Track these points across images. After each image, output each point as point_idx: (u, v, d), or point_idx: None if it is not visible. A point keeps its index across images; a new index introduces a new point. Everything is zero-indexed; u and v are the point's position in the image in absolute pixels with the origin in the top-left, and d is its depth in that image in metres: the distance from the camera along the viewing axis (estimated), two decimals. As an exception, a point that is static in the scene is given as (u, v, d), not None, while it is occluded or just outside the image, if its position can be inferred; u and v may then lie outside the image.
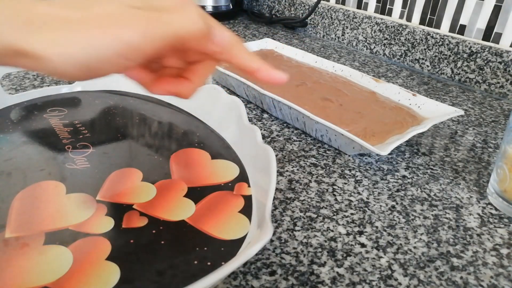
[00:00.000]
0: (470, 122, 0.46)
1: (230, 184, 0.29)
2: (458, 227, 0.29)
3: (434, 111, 0.41)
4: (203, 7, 0.81)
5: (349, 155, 0.37)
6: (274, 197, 0.30)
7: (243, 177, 0.30)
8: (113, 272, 0.21)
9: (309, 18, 0.79)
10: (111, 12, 0.18)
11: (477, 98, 0.53)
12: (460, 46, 0.57)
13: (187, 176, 0.30)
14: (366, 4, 0.70)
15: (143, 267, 0.22)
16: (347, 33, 0.72)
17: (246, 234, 0.24)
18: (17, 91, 0.44)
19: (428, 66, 0.62)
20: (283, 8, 0.84)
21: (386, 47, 0.67)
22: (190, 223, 0.25)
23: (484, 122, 0.46)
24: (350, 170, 0.35)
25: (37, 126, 0.35)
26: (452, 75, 0.59)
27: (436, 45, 0.60)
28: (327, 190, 0.32)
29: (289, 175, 0.33)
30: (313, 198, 0.31)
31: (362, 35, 0.70)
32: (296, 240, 0.26)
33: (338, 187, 0.32)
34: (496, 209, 0.31)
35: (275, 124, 0.42)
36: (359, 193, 0.32)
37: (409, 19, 0.64)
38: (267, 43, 0.59)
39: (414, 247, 0.26)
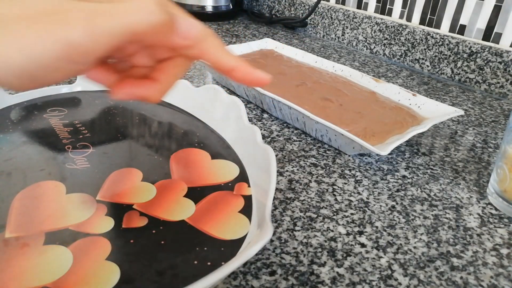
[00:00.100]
0: (470, 122, 0.46)
1: (230, 184, 0.29)
2: (458, 227, 0.29)
3: (434, 111, 0.41)
4: (203, 7, 0.81)
5: (349, 155, 0.37)
6: (274, 197, 0.30)
7: (243, 177, 0.30)
8: (113, 272, 0.21)
9: (309, 18, 0.79)
10: (48, 6, 0.15)
11: (477, 98, 0.53)
12: (460, 46, 0.57)
13: (187, 176, 0.30)
14: (366, 4, 0.70)
15: (143, 267, 0.22)
16: (347, 33, 0.72)
17: (246, 234, 0.24)
18: (17, 91, 0.44)
19: (428, 66, 0.62)
20: (283, 8, 0.84)
21: (386, 47, 0.67)
22: (190, 223, 0.25)
23: (484, 122, 0.46)
24: (350, 170, 0.35)
25: (37, 126, 0.35)
26: (452, 75, 0.59)
27: (436, 45, 0.60)
28: (327, 190, 0.32)
29: (289, 175, 0.33)
30: (313, 198, 0.31)
31: (362, 35, 0.70)
32: (296, 240, 0.26)
33: (338, 187, 0.32)
34: (496, 209, 0.31)
35: (275, 124, 0.42)
36: (359, 193, 0.32)
37: (409, 19, 0.64)
38: (267, 43, 0.59)
39: (414, 247, 0.26)
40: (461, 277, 0.24)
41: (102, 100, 0.41)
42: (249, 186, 0.29)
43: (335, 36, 0.75)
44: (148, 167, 0.30)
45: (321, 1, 0.77)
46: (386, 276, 0.24)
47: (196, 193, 0.28)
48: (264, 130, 0.40)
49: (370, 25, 0.68)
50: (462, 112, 0.39)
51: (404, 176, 0.34)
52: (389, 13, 0.67)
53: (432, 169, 0.36)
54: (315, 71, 0.51)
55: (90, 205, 0.26)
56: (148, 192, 0.28)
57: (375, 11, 0.69)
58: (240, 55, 0.55)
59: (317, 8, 0.76)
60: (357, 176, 0.34)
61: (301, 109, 0.37)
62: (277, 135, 0.40)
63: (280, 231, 0.27)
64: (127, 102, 0.40)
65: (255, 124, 0.42)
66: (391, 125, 0.39)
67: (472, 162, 0.37)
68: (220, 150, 0.33)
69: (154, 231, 0.24)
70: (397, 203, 0.31)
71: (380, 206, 0.30)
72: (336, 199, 0.31)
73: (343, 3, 0.74)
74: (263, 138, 0.39)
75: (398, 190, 0.32)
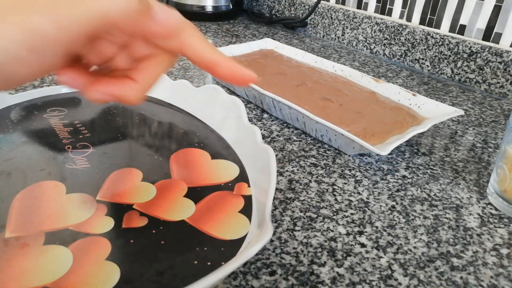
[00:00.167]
0: (470, 122, 0.46)
1: (230, 184, 0.29)
2: (458, 227, 0.29)
3: (434, 111, 0.41)
4: (203, 7, 0.81)
5: (349, 155, 0.37)
6: (274, 197, 0.30)
7: (243, 177, 0.30)
8: (113, 272, 0.21)
9: (309, 18, 0.79)
10: None
11: (477, 98, 0.53)
12: (460, 46, 0.57)
13: (187, 176, 0.30)
14: (366, 4, 0.70)
15: (143, 267, 0.22)
16: (347, 33, 0.72)
17: (246, 234, 0.24)
18: (17, 91, 0.44)
19: (428, 66, 0.62)
20: (283, 8, 0.84)
21: (386, 47, 0.67)
22: (190, 223, 0.25)
23: (484, 122, 0.46)
24: (350, 170, 0.35)
25: (37, 126, 0.35)
26: (452, 75, 0.59)
27: (436, 45, 0.60)
28: (327, 190, 0.32)
29: (289, 175, 0.33)
30: (313, 198, 0.31)
31: (362, 35, 0.70)
32: (296, 240, 0.26)
33: (338, 187, 0.32)
34: (496, 209, 0.31)
35: (275, 124, 0.42)
36: (359, 193, 0.32)
37: (409, 19, 0.64)
38: (267, 43, 0.59)
39: (414, 247, 0.26)
40: (461, 277, 0.24)
41: (102, 100, 0.41)
42: (249, 186, 0.29)
43: (335, 36, 0.75)
44: (148, 167, 0.30)
45: (321, 1, 0.77)
46: (386, 276, 0.24)
47: (196, 193, 0.28)
48: (264, 130, 0.40)
49: (370, 25, 0.68)
50: (462, 112, 0.39)
51: (404, 176, 0.34)
52: (389, 13, 0.67)
53: (432, 169, 0.36)
54: (315, 71, 0.51)
55: (90, 205, 0.26)
56: (148, 192, 0.28)
57: (375, 11, 0.69)
58: (240, 55, 0.55)
59: (317, 8, 0.76)
60: (357, 176, 0.34)
61: (301, 109, 0.37)
62: (277, 135, 0.40)
63: (280, 231, 0.27)
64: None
65: (255, 124, 0.42)
66: (391, 125, 0.39)
67: (472, 162, 0.37)
68: (220, 150, 0.33)
69: (154, 231, 0.24)
70: (397, 203, 0.31)
71: (380, 206, 0.30)
72: (336, 199, 0.31)
73: (343, 3, 0.74)
74: (263, 138, 0.39)
75: (398, 190, 0.32)
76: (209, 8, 0.81)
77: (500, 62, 0.53)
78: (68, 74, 0.19)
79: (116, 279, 0.21)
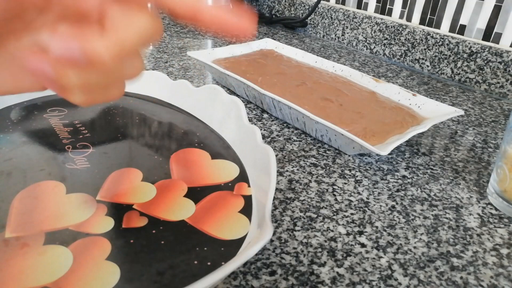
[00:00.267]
0: (470, 122, 0.46)
1: (230, 184, 0.29)
2: (458, 227, 0.29)
3: (434, 111, 0.41)
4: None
5: (349, 155, 0.37)
6: (274, 197, 0.30)
7: (243, 177, 0.30)
8: (113, 272, 0.21)
9: (309, 18, 0.79)
10: None
11: (477, 98, 0.53)
12: (460, 46, 0.57)
13: (187, 176, 0.30)
14: (366, 4, 0.70)
15: (143, 267, 0.22)
16: (347, 33, 0.72)
17: (246, 234, 0.24)
18: None
19: (428, 66, 0.62)
20: (283, 8, 0.84)
21: (386, 47, 0.67)
22: (190, 223, 0.25)
23: (484, 122, 0.46)
24: (350, 170, 0.35)
25: (37, 126, 0.35)
26: (452, 75, 0.59)
27: (436, 45, 0.60)
28: (327, 190, 0.32)
29: (289, 175, 0.33)
30: (313, 198, 0.31)
31: (362, 35, 0.70)
32: (296, 240, 0.26)
33: (338, 187, 0.32)
34: (496, 209, 0.31)
35: (275, 124, 0.42)
36: (359, 193, 0.32)
37: (409, 19, 0.64)
38: (267, 43, 0.59)
39: (414, 247, 0.26)
40: (461, 277, 0.24)
41: (102, 100, 0.41)
42: (249, 186, 0.29)
43: (335, 36, 0.75)
44: (148, 167, 0.30)
45: (321, 1, 0.77)
46: (386, 276, 0.24)
47: (196, 193, 0.28)
48: (264, 130, 0.40)
49: (370, 25, 0.68)
50: (462, 112, 0.39)
51: (404, 176, 0.34)
52: (389, 13, 0.67)
53: (432, 169, 0.36)
54: (315, 71, 0.51)
55: (90, 205, 0.26)
56: (148, 192, 0.28)
57: (375, 11, 0.69)
58: (240, 55, 0.55)
59: (317, 8, 0.76)
60: (357, 176, 0.34)
61: (301, 109, 0.37)
62: (277, 135, 0.40)
63: (280, 231, 0.27)
64: (127, 102, 0.40)
65: (255, 124, 0.42)
66: (391, 125, 0.39)
67: (472, 162, 0.37)
68: (220, 150, 0.33)
69: (154, 231, 0.24)
70: (397, 203, 0.31)
71: (380, 206, 0.30)
72: (336, 199, 0.31)
73: (343, 3, 0.74)
74: (263, 138, 0.39)
75: (398, 190, 0.32)
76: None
77: (500, 62, 0.53)
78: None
79: (116, 279, 0.21)
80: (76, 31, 0.15)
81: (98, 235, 0.24)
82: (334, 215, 0.29)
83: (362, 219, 0.29)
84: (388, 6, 0.67)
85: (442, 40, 0.59)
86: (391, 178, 0.34)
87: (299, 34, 0.79)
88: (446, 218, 0.30)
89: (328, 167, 0.35)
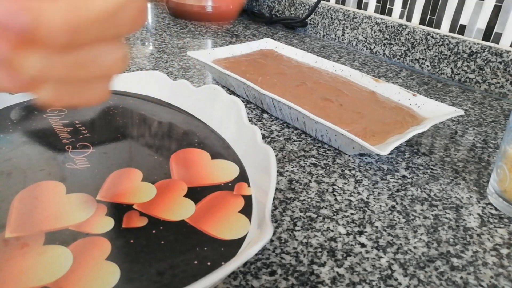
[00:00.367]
0: (470, 122, 0.46)
1: (230, 184, 0.29)
2: (458, 227, 0.29)
3: (434, 111, 0.41)
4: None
5: (349, 155, 0.37)
6: (274, 197, 0.30)
7: (243, 177, 0.30)
8: (113, 272, 0.21)
9: (309, 18, 0.79)
10: None
11: (477, 98, 0.53)
12: (460, 46, 0.57)
13: (187, 176, 0.30)
14: (366, 4, 0.70)
15: (143, 267, 0.22)
16: (347, 33, 0.72)
17: (246, 234, 0.24)
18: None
19: (428, 66, 0.62)
20: (283, 8, 0.84)
21: (386, 47, 0.67)
22: (190, 223, 0.25)
23: (484, 122, 0.46)
24: (350, 170, 0.35)
25: (37, 126, 0.35)
26: (452, 75, 0.59)
27: (436, 45, 0.60)
28: (327, 190, 0.32)
29: (289, 175, 0.33)
30: (313, 198, 0.31)
31: (362, 35, 0.70)
32: (296, 240, 0.26)
33: (338, 187, 0.32)
34: (496, 209, 0.31)
35: (275, 124, 0.42)
36: (359, 193, 0.32)
37: (409, 19, 0.64)
38: (267, 43, 0.59)
39: (414, 247, 0.26)
40: (461, 277, 0.24)
41: (102, 100, 0.41)
42: (249, 186, 0.29)
43: (335, 36, 0.75)
44: (148, 167, 0.30)
45: (321, 1, 0.77)
46: (386, 276, 0.24)
47: (196, 193, 0.28)
48: (264, 130, 0.40)
49: (370, 25, 0.68)
50: (462, 112, 0.39)
51: (404, 176, 0.34)
52: (389, 13, 0.67)
53: (432, 169, 0.36)
54: (315, 71, 0.51)
55: (90, 205, 0.26)
56: (148, 192, 0.28)
57: (375, 11, 0.69)
58: (240, 55, 0.55)
59: (317, 8, 0.76)
60: (357, 176, 0.34)
61: (301, 109, 0.37)
62: (277, 135, 0.40)
63: (280, 231, 0.27)
64: (127, 102, 0.40)
65: (255, 124, 0.42)
66: (391, 125, 0.39)
67: (472, 162, 0.37)
68: (220, 150, 0.33)
69: (154, 231, 0.24)
70: (397, 203, 0.31)
71: (380, 206, 0.30)
72: (336, 199, 0.31)
73: (343, 3, 0.74)
74: (263, 138, 0.39)
75: (398, 190, 0.32)
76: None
77: (500, 62, 0.53)
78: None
79: (116, 279, 0.21)
80: None
81: (98, 235, 0.24)
82: (334, 215, 0.29)
83: (362, 219, 0.29)
84: (388, 6, 0.67)
85: (442, 40, 0.59)
86: (391, 178, 0.34)
87: (299, 34, 0.79)
88: (446, 218, 0.30)
89: (328, 167, 0.35)
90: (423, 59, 0.62)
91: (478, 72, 0.56)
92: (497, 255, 0.26)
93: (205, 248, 0.23)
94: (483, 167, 0.37)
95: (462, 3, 0.57)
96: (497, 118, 0.48)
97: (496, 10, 0.54)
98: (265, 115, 0.44)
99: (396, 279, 0.24)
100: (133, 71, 0.53)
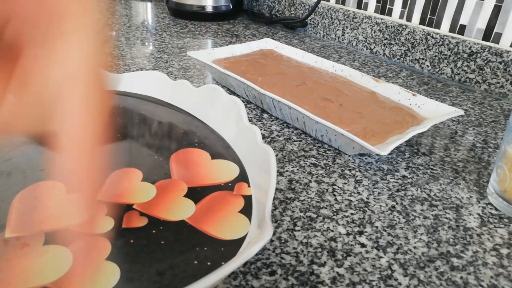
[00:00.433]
0: (470, 122, 0.46)
1: (230, 184, 0.29)
2: (458, 227, 0.29)
3: (434, 111, 0.41)
4: (203, 7, 0.81)
5: (349, 155, 0.37)
6: (274, 197, 0.30)
7: (243, 177, 0.30)
8: (113, 272, 0.21)
9: (309, 18, 0.79)
10: None
11: (477, 98, 0.53)
12: (460, 46, 0.57)
13: (187, 176, 0.30)
14: (366, 4, 0.70)
15: (143, 267, 0.22)
16: (347, 33, 0.72)
17: (246, 234, 0.24)
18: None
19: (428, 66, 0.62)
20: (283, 8, 0.84)
21: (386, 47, 0.67)
22: (190, 223, 0.25)
23: (484, 122, 0.46)
24: (350, 170, 0.35)
25: (37, 126, 0.35)
26: (452, 75, 0.59)
27: (436, 45, 0.60)
28: (327, 190, 0.32)
29: (289, 175, 0.33)
30: (313, 198, 0.31)
31: (362, 35, 0.70)
32: (296, 240, 0.26)
33: (338, 187, 0.32)
34: (496, 209, 0.31)
35: (275, 124, 0.42)
36: (359, 193, 0.32)
37: (409, 19, 0.64)
38: (267, 43, 0.59)
39: (414, 247, 0.26)
40: (461, 277, 0.24)
41: (102, 100, 0.41)
42: (249, 186, 0.29)
43: (335, 36, 0.75)
44: (148, 167, 0.30)
45: (321, 1, 0.77)
46: (386, 276, 0.24)
47: (196, 193, 0.28)
48: (264, 130, 0.40)
49: (370, 25, 0.68)
50: (462, 112, 0.39)
51: (404, 176, 0.34)
52: (389, 13, 0.67)
53: (432, 169, 0.36)
54: (315, 71, 0.51)
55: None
56: (148, 192, 0.28)
57: (375, 11, 0.69)
58: (240, 55, 0.55)
59: (317, 8, 0.76)
60: (357, 176, 0.34)
61: (301, 109, 0.37)
62: (277, 135, 0.40)
63: (280, 231, 0.27)
64: (127, 102, 0.40)
65: (255, 124, 0.42)
66: (391, 125, 0.39)
67: (472, 162, 0.37)
68: (220, 150, 0.33)
69: (154, 231, 0.24)
70: (397, 203, 0.31)
71: (380, 206, 0.30)
72: (336, 199, 0.31)
73: (343, 3, 0.74)
74: (263, 138, 0.39)
75: (398, 190, 0.32)
76: (209, 8, 0.81)
77: (500, 62, 0.53)
78: None
79: (116, 279, 0.21)
80: None
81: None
82: (334, 215, 0.29)
83: (362, 219, 0.29)
84: (388, 6, 0.67)
85: (442, 40, 0.59)
86: (391, 178, 0.34)
87: (299, 34, 0.79)
88: (446, 218, 0.30)
89: (328, 167, 0.35)
90: (423, 59, 0.62)
91: (478, 72, 0.56)
92: (497, 255, 0.26)
93: (205, 248, 0.23)
94: (483, 167, 0.37)
95: (462, 3, 0.57)
96: (497, 118, 0.48)
97: (496, 10, 0.54)
98: (265, 115, 0.44)
99: (396, 279, 0.24)
100: (133, 71, 0.53)
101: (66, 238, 0.23)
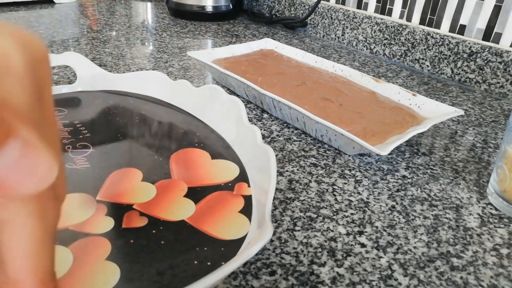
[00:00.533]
0: (470, 122, 0.46)
1: (230, 184, 0.29)
2: (458, 227, 0.29)
3: (434, 111, 0.41)
4: (203, 7, 0.81)
5: (349, 155, 0.37)
6: (274, 197, 0.30)
7: (243, 177, 0.30)
8: (113, 272, 0.21)
9: (309, 18, 0.79)
10: None
11: (477, 98, 0.53)
12: (460, 46, 0.57)
13: (187, 176, 0.30)
14: (366, 4, 0.70)
15: (143, 267, 0.22)
16: (347, 33, 0.72)
17: (246, 234, 0.24)
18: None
19: (428, 66, 0.62)
20: (283, 8, 0.84)
21: (386, 47, 0.67)
22: (190, 223, 0.25)
23: (484, 122, 0.46)
24: (350, 170, 0.35)
25: (37, 126, 0.35)
26: (452, 75, 0.59)
27: (436, 45, 0.60)
28: (327, 190, 0.32)
29: (289, 175, 0.33)
30: (313, 198, 0.31)
31: (362, 35, 0.70)
32: (296, 240, 0.26)
33: (338, 187, 0.32)
34: (496, 209, 0.31)
35: (275, 124, 0.42)
36: (359, 193, 0.32)
37: (409, 19, 0.64)
38: (267, 43, 0.59)
39: (414, 247, 0.26)
40: (461, 277, 0.24)
41: (102, 100, 0.41)
42: (249, 186, 0.29)
43: (335, 36, 0.75)
44: (148, 167, 0.30)
45: (321, 1, 0.77)
46: (386, 276, 0.24)
47: (196, 193, 0.28)
48: (264, 130, 0.40)
49: (370, 25, 0.68)
50: (462, 112, 0.39)
51: (404, 176, 0.34)
52: (389, 13, 0.67)
53: (432, 169, 0.36)
54: (315, 71, 0.51)
55: (90, 205, 0.26)
56: (148, 192, 0.28)
57: (375, 11, 0.69)
58: (240, 55, 0.55)
59: (317, 8, 0.76)
60: (357, 176, 0.34)
61: (301, 109, 0.37)
62: (277, 135, 0.40)
63: (280, 231, 0.27)
64: (127, 102, 0.40)
65: (255, 124, 0.42)
66: (391, 125, 0.39)
67: (472, 162, 0.37)
68: (220, 150, 0.33)
69: (154, 231, 0.24)
70: (397, 203, 0.31)
71: (380, 206, 0.30)
72: (336, 199, 0.31)
73: (343, 3, 0.74)
74: (263, 138, 0.39)
75: (398, 190, 0.32)
76: (209, 8, 0.81)
77: (500, 62, 0.53)
78: None
79: (116, 279, 0.21)
80: None
81: (98, 235, 0.24)
82: (334, 215, 0.29)
83: (362, 219, 0.29)
84: (388, 6, 0.67)
85: (442, 40, 0.59)
86: (391, 178, 0.34)
87: (299, 34, 0.79)
88: (446, 218, 0.30)
89: (328, 167, 0.35)
90: (423, 59, 0.62)
91: (478, 72, 0.56)
92: (497, 255, 0.26)
93: (205, 248, 0.23)
94: (483, 167, 0.37)
95: (462, 3, 0.57)
96: (497, 118, 0.48)
97: (496, 10, 0.54)
98: (265, 115, 0.44)
99: (396, 279, 0.24)
100: (133, 71, 0.53)
101: (66, 238, 0.23)
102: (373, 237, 0.27)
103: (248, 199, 0.28)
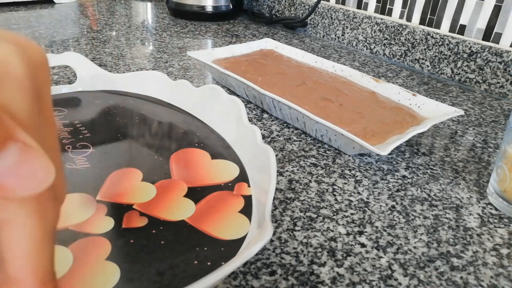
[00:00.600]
0: (470, 122, 0.46)
1: (230, 184, 0.29)
2: (458, 227, 0.29)
3: (434, 111, 0.41)
4: (203, 7, 0.81)
5: (349, 155, 0.37)
6: (274, 197, 0.30)
7: (243, 177, 0.30)
8: (113, 272, 0.21)
9: (309, 18, 0.79)
10: None
11: (477, 98, 0.53)
12: (460, 46, 0.57)
13: (187, 176, 0.30)
14: (366, 4, 0.70)
15: (143, 267, 0.22)
16: (347, 33, 0.72)
17: (246, 234, 0.24)
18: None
19: (428, 66, 0.62)
20: (283, 8, 0.84)
21: (386, 47, 0.67)
22: (190, 223, 0.25)
23: (484, 122, 0.46)
24: (350, 170, 0.35)
25: (37, 126, 0.35)
26: (452, 75, 0.59)
27: (436, 45, 0.60)
28: (327, 190, 0.32)
29: (289, 175, 0.33)
30: (313, 198, 0.31)
31: (362, 35, 0.70)
32: (296, 240, 0.26)
33: (338, 187, 0.32)
34: (496, 209, 0.31)
35: (275, 124, 0.42)
36: (359, 193, 0.32)
37: (409, 19, 0.64)
38: (267, 43, 0.59)
39: (414, 247, 0.26)
40: (461, 277, 0.24)
41: (102, 100, 0.41)
42: (249, 186, 0.29)
43: (335, 36, 0.75)
44: (148, 167, 0.30)
45: (321, 1, 0.77)
46: (386, 276, 0.24)
47: (196, 193, 0.28)
48: (264, 130, 0.40)
49: (370, 25, 0.68)
50: (462, 112, 0.39)
51: (404, 176, 0.34)
52: (389, 13, 0.67)
53: (432, 169, 0.36)
54: (315, 71, 0.51)
55: (90, 205, 0.26)
56: (148, 192, 0.28)
57: (375, 11, 0.69)
58: (240, 55, 0.55)
59: (317, 8, 0.76)
60: (357, 176, 0.34)
61: (301, 109, 0.37)
62: (277, 135, 0.40)
63: (280, 231, 0.27)
64: (127, 102, 0.40)
65: (255, 124, 0.42)
66: (391, 125, 0.39)
67: (472, 162, 0.37)
68: (220, 150, 0.33)
69: (154, 231, 0.24)
70: (397, 203, 0.31)
71: (380, 206, 0.30)
72: (336, 199, 0.31)
73: (343, 3, 0.74)
74: (263, 138, 0.39)
75: (398, 190, 0.32)
76: (209, 8, 0.81)
77: (500, 62, 0.53)
78: None
79: (116, 279, 0.21)
80: None
81: (98, 235, 0.24)
82: (334, 215, 0.29)
83: (362, 219, 0.29)
84: (388, 6, 0.67)
85: (442, 40, 0.59)
86: (391, 178, 0.34)
87: (299, 34, 0.79)
88: (446, 218, 0.30)
89: (328, 167, 0.35)
90: (423, 59, 0.62)
91: (478, 72, 0.56)
92: (497, 255, 0.26)
93: (205, 248, 0.23)
94: (483, 167, 0.37)
95: (462, 3, 0.57)
96: (497, 118, 0.48)
97: (496, 10, 0.54)
98: (265, 115, 0.44)
99: (396, 279, 0.24)
100: (133, 71, 0.53)
101: (66, 238, 0.23)
102: (373, 237, 0.27)
103: (248, 199, 0.28)
